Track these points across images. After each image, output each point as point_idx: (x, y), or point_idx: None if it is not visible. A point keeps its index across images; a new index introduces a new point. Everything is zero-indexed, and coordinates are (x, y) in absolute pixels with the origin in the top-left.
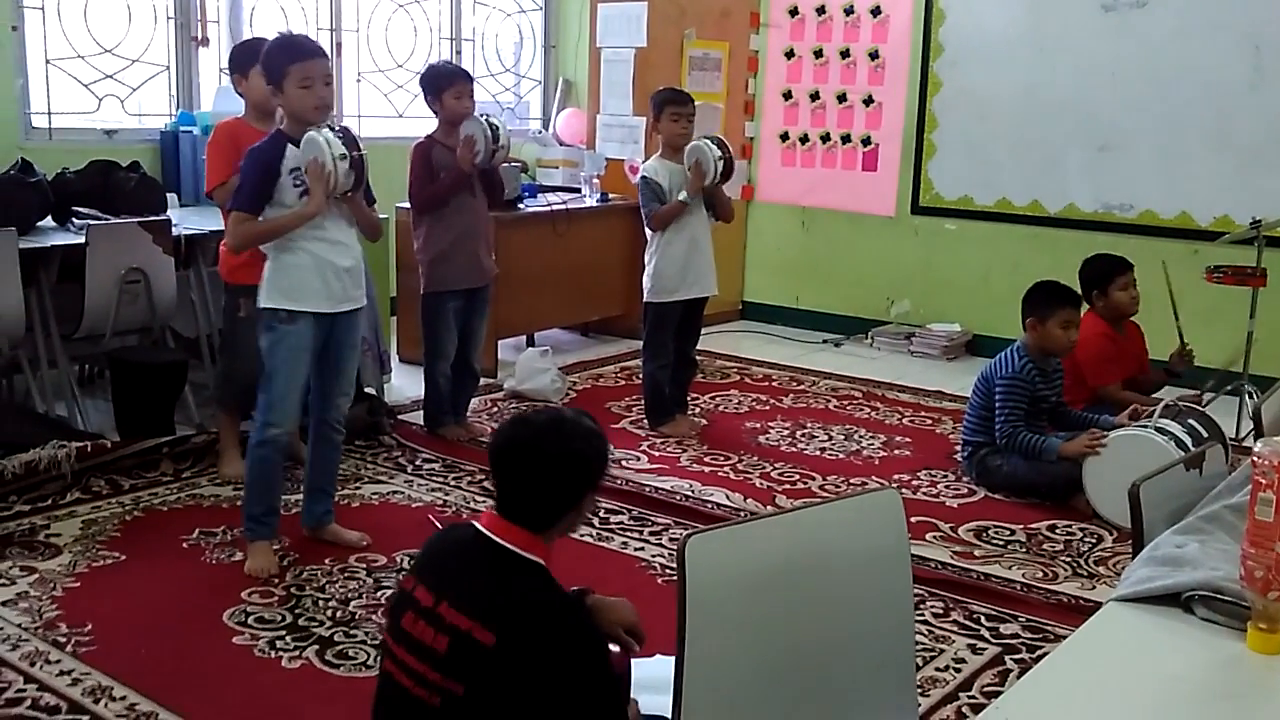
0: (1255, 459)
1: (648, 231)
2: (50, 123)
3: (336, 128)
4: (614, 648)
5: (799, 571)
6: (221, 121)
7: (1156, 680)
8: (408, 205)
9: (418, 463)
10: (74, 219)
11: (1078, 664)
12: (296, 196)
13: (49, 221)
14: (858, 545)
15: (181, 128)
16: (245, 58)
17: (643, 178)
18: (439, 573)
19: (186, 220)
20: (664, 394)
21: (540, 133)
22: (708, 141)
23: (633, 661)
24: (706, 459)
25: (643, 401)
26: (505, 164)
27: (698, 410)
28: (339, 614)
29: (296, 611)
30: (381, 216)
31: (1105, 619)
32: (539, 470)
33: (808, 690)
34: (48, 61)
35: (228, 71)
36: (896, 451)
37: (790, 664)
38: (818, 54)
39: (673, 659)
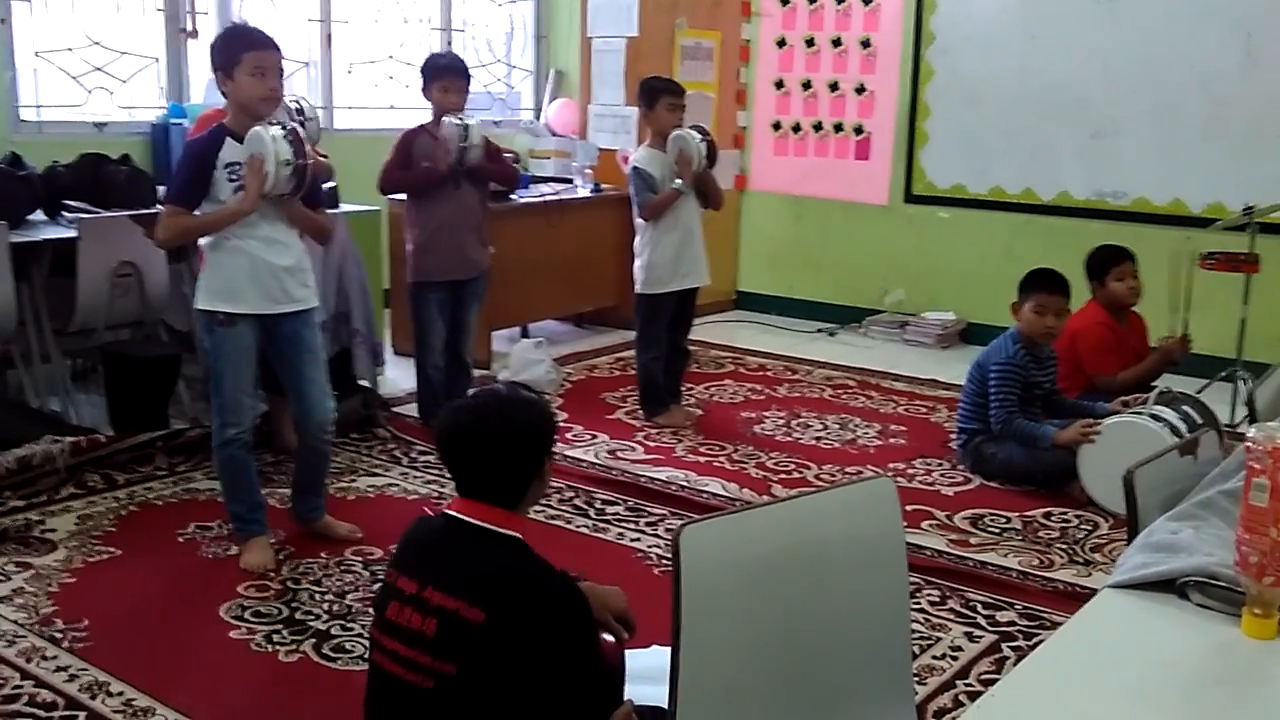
0: (1249, 445)
1: (637, 222)
2: (39, 116)
3: (287, 128)
4: (607, 637)
5: (794, 561)
6: (202, 114)
7: (1151, 666)
8: (402, 197)
9: (412, 455)
10: (65, 212)
11: (1072, 651)
12: (232, 192)
13: (39, 215)
14: (853, 534)
15: (171, 120)
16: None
17: (634, 168)
18: (419, 560)
19: None
20: (658, 385)
21: (532, 123)
22: (688, 129)
23: (628, 652)
24: (702, 449)
25: (637, 393)
26: (507, 154)
27: (693, 400)
28: (335, 607)
29: (293, 605)
30: (373, 208)
31: (1100, 606)
32: (491, 450)
33: (804, 679)
34: (36, 54)
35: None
36: (891, 440)
37: (786, 653)
38: (809, 43)
39: (668, 649)
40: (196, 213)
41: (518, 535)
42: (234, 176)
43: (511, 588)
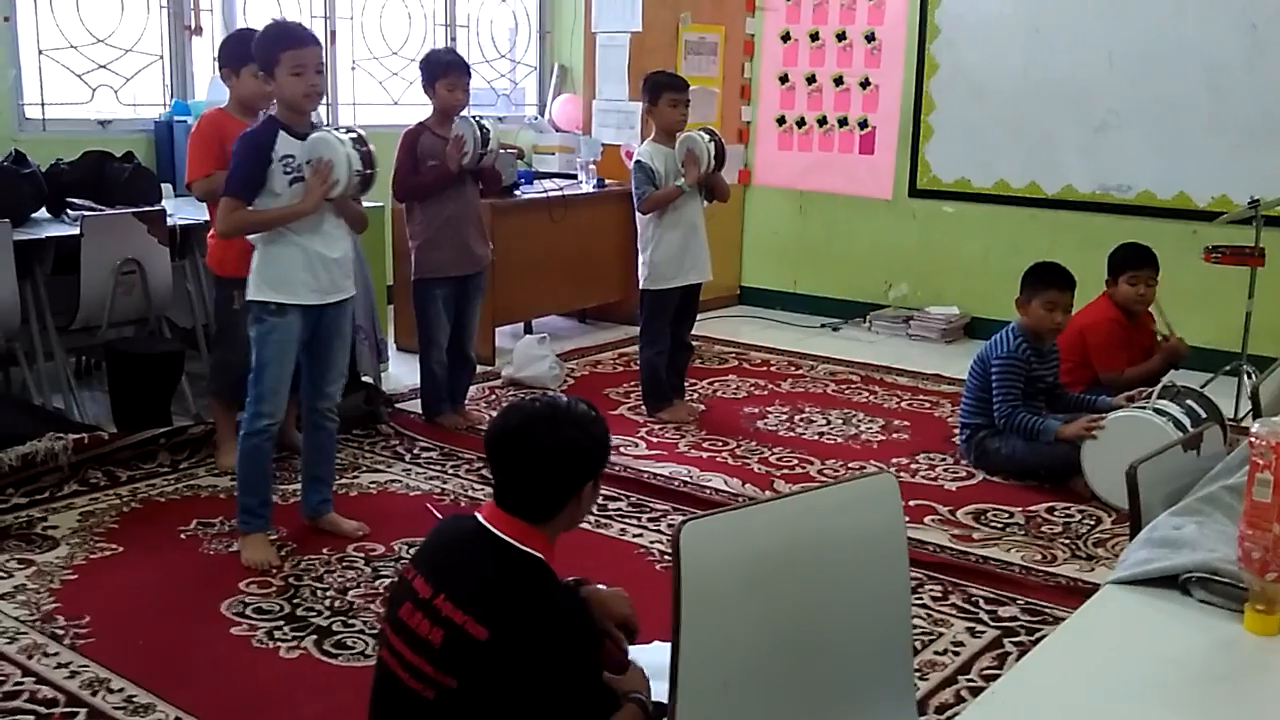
0: (1252, 440)
1: (641, 218)
2: (44, 114)
3: (358, 136)
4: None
5: (795, 557)
6: (205, 112)
7: (1153, 662)
8: None
9: (415, 451)
10: (68, 210)
11: (1074, 647)
12: (287, 184)
13: (43, 213)
14: (854, 530)
15: (176, 117)
16: (236, 52)
17: (637, 162)
18: (438, 564)
19: (181, 210)
20: (661, 380)
21: (536, 119)
22: (699, 131)
23: (631, 649)
24: (705, 444)
25: (640, 388)
26: (502, 152)
27: (696, 396)
28: (337, 604)
29: (295, 601)
30: (377, 205)
31: (1102, 602)
32: (530, 459)
33: (804, 675)
34: (40, 52)
35: (218, 64)
36: (895, 435)
37: (787, 650)
38: (814, 37)
39: (669, 645)
40: (252, 206)
41: (539, 556)
42: (289, 169)
43: (518, 613)
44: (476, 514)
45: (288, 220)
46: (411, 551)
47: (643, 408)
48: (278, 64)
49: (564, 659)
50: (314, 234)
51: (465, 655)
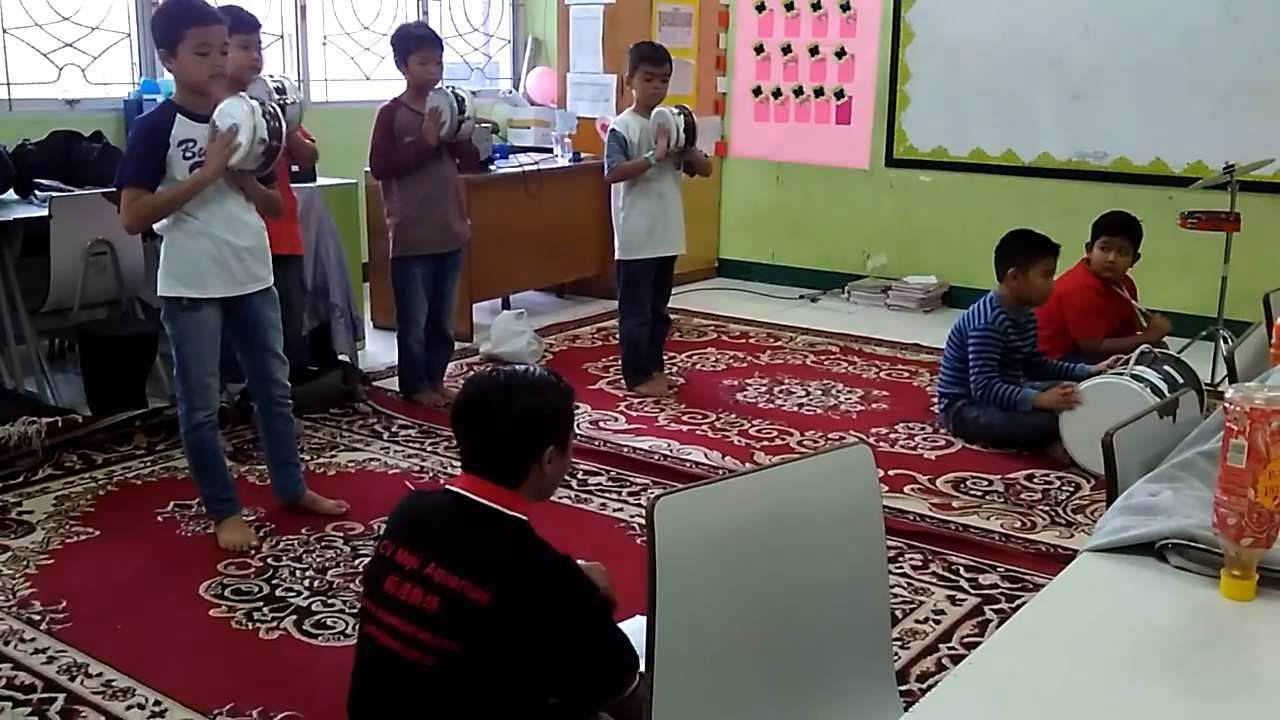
0: (1227, 405)
1: (613, 189)
2: (9, 94)
3: (268, 107)
4: None
5: (770, 531)
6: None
7: (1131, 629)
8: None
9: (394, 429)
10: (36, 191)
11: (1052, 615)
12: (187, 170)
13: (11, 194)
14: (829, 503)
15: (145, 96)
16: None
17: (611, 130)
18: (422, 535)
19: None
20: (642, 352)
21: (510, 93)
22: (672, 109)
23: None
24: (684, 418)
25: (620, 361)
26: (477, 126)
27: (675, 369)
28: (316, 583)
29: (274, 582)
30: (349, 181)
31: (1079, 569)
32: (486, 424)
33: (782, 649)
34: (5, 31)
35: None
36: (874, 405)
37: (764, 623)
38: (789, 7)
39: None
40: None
41: (523, 518)
42: (189, 154)
43: (521, 574)
44: (448, 486)
45: (190, 194)
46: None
47: (622, 382)
48: (180, 41)
49: (568, 622)
50: (222, 222)
51: (467, 619)
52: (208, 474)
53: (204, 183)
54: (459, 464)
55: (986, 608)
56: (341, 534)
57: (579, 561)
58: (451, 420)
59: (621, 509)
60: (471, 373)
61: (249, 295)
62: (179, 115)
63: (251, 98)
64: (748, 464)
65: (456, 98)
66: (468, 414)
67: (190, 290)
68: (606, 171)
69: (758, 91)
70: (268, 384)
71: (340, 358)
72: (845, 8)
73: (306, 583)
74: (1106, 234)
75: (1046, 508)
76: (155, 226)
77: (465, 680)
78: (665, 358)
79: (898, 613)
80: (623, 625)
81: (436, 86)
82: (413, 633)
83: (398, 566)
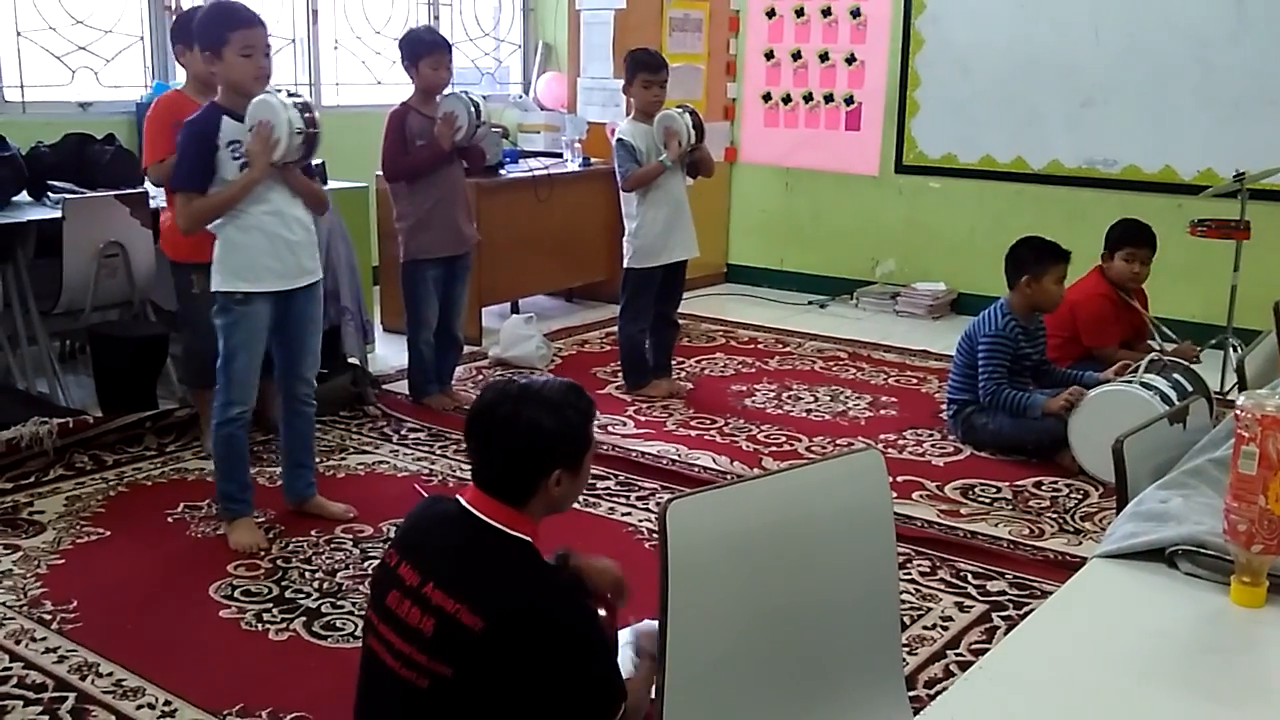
0: (1238, 412)
1: (624, 196)
2: (23, 96)
3: (297, 96)
4: (600, 611)
5: (781, 534)
6: (162, 95)
7: (1141, 636)
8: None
9: (403, 432)
10: (49, 193)
11: (1061, 621)
12: (236, 170)
13: (24, 196)
14: (840, 507)
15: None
16: (190, 27)
17: (619, 140)
18: (424, 550)
19: (164, 192)
20: (642, 356)
21: (520, 97)
22: (675, 109)
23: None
24: (692, 422)
25: (621, 365)
26: (489, 131)
27: (683, 374)
28: (326, 585)
29: (283, 584)
30: (360, 185)
31: (1089, 575)
32: (494, 438)
33: (792, 653)
34: (19, 34)
35: (171, 40)
36: (882, 411)
37: (774, 628)
38: (799, 13)
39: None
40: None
41: (528, 539)
42: (237, 154)
43: (515, 603)
44: (458, 496)
45: (242, 193)
46: (393, 534)
47: None
48: (226, 44)
49: (561, 650)
50: (274, 217)
51: (459, 645)
52: (231, 470)
53: (253, 183)
54: (468, 467)
55: (994, 614)
56: (351, 536)
57: (591, 559)
58: (465, 427)
59: (630, 513)
60: (480, 377)
61: (297, 290)
62: (225, 117)
63: (275, 89)
64: (756, 469)
65: (473, 103)
66: (476, 426)
67: (245, 284)
68: (621, 181)
69: (767, 97)
70: (297, 381)
71: (350, 361)
72: (856, 14)
73: (316, 584)
74: (1131, 245)
75: (1054, 515)
76: (210, 226)
77: (459, 704)
78: (673, 363)
79: (906, 619)
80: (632, 629)
81: (449, 91)
82: (410, 653)
83: (399, 580)
